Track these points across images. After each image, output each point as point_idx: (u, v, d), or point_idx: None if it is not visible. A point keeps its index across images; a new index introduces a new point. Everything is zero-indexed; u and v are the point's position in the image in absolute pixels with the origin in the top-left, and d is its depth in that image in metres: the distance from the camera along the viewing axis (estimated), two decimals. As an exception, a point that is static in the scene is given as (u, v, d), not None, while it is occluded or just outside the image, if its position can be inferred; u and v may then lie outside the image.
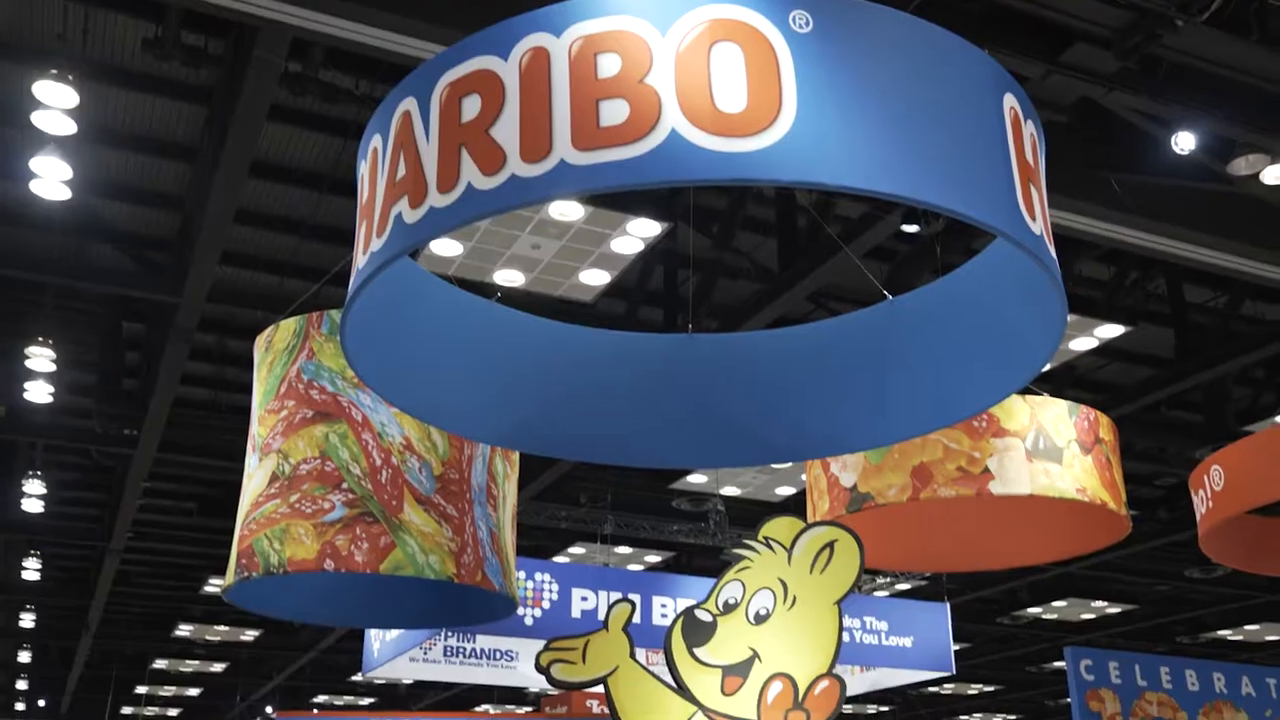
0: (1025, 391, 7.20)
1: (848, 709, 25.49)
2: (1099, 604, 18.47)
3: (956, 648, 12.81)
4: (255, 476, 5.79)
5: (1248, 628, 19.65)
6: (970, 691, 26.15)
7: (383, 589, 6.60)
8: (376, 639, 11.39)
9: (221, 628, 20.26)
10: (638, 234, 8.59)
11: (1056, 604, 18.32)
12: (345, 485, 5.54)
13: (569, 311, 9.12)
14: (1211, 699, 12.89)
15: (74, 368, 10.75)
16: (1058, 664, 20.53)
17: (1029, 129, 3.33)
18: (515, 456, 6.55)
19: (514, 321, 4.99)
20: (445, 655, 11.36)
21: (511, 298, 8.67)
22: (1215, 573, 15.92)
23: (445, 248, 8.61)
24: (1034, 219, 3.42)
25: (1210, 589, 16.89)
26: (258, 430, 5.88)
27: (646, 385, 5.21)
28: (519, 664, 11.66)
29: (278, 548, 5.47)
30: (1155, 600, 18.33)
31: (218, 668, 23.74)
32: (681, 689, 7.35)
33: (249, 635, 20.69)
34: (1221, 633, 20.01)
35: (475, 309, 4.85)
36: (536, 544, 14.43)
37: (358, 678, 22.04)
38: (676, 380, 5.22)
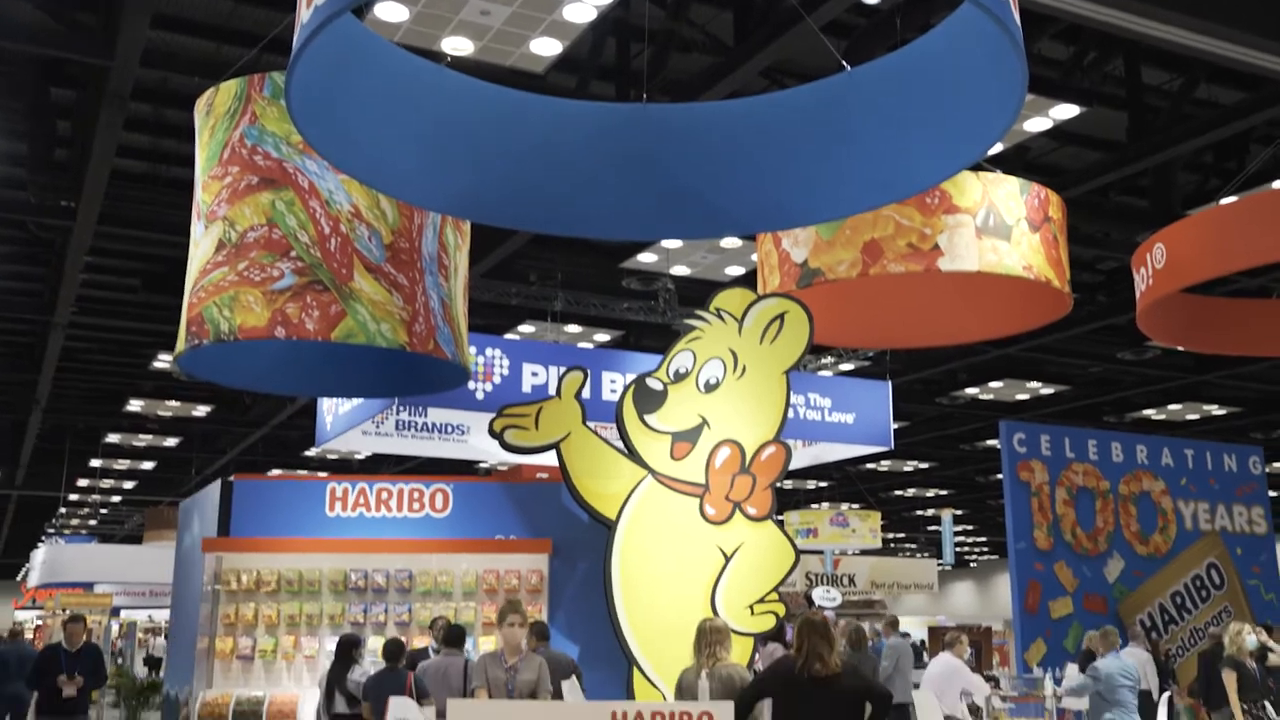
0: (978, 169, 7.21)
1: (788, 484, 26.54)
2: (1033, 385, 19.08)
3: (896, 426, 13.25)
4: (202, 244, 5.70)
5: (1170, 407, 20.50)
6: (906, 468, 27.25)
7: (334, 357, 6.64)
8: (329, 412, 11.53)
9: (172, 403, 20.37)
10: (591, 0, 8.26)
11: (993, 384, 18.90)
12: (294, 253, 5.48)
13: (519, 83, 8.82)
14: (1133, 469, 13.59)
15: (2, 136, 10.34)
16: (990, 442, 21.40)
17: (1004, -120, 3.21)
18: (466, 226, 6.50)
19: (466, 88, 4.85)
20: (397, 429, 11.53)
21: (460, 68, 8.35)
22: (1145, 355, 16.44)
23: (390, 12, 8.24)
24: (1002, -21, 3.33)
25: (1139, 370, 17.47)
26: (202, 197, 5.75)
27: (601, 156, 5.13)
28: (470, 438, 11.90)
29: (227, 315, 5.45)
30: (1087, 381, 18.97)
31: (171, 442, 24.01)
32: (632, 454, 7.60)
33: (200, 411, 20.85)
34: (1146, 412, 20.87)
35: (426, 73, 4.69)
36: (486, 321, 14.46)
37: (311, 452, 22.47)
38: (632, 151, 5.14)
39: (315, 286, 5.49)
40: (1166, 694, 9.58)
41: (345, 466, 24.84)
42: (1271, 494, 15.67)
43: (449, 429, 11.88)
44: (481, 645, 8.46)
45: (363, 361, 6.74)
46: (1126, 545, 13.49)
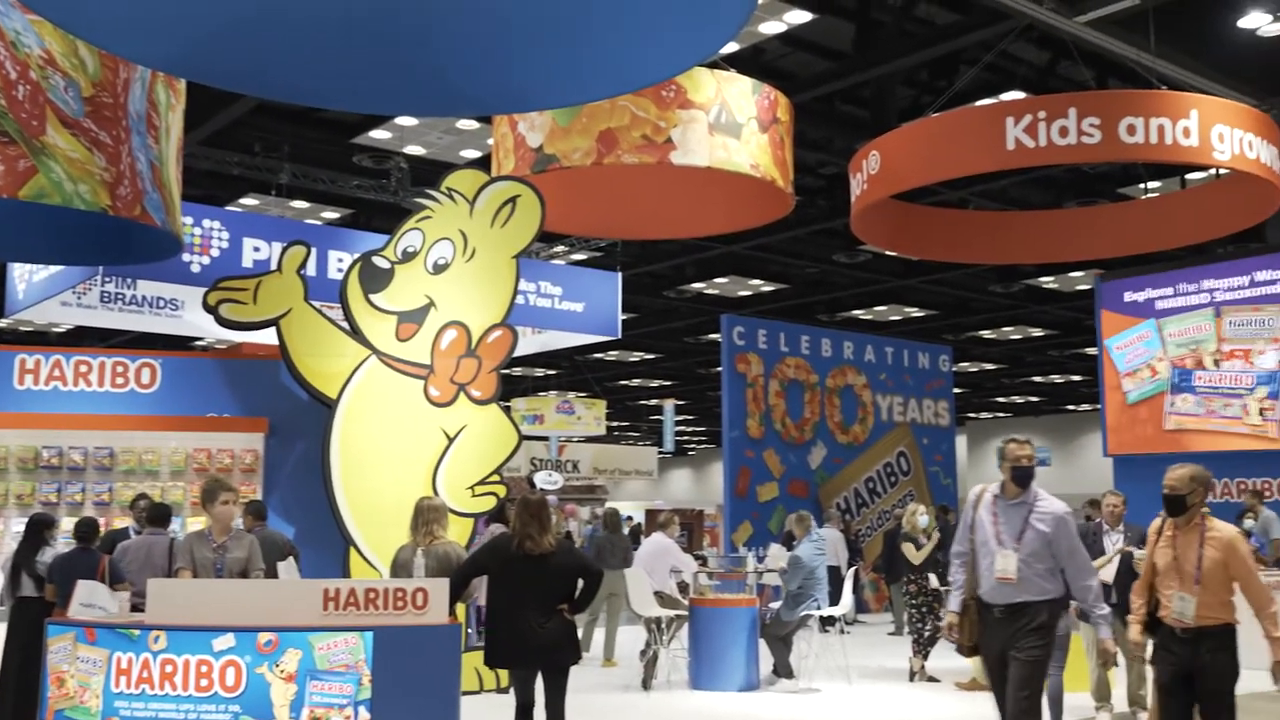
0: (713, 66, 7.35)
1: (516, 370, 26.75)
2: (755, 282, 19.95)
3: (623, 317, 13.55)
4: None
5: (876, 308, 21.99)
6: (632, 359, 28.02)
7: (25, 218, 6.06)
8: (21, 279, 10.60)
9: None
10: None
11: (718, 280, 19.62)
12: (-25, 98, 4.94)
13: (244, -67, 8.19)
14: (839, 364, 14.58)
15: None
16: (713, 336, 22.29)
17: None
18: (181, 86, 6.04)
19: (180, -74, 4.45)
20: (103, 301, 10.74)
21: (176, -92, 7.66)
22: (857, 258, 17.50)
23: None
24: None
25: (851, 273, 18.59)
26: None
27: (336, 20, 4.86)
28: (185, 313, 11.27)
29: (-105, 162, 4.87)
30: (805, 281, 20.00)
31: None
32: (356, 333, 7.41)
33: None
34: (855, 312, 22.29)
35: (132, -95, 4.27)
36: (205, 192, 13.61)
37: (1, 323, 20.64)
38: (370, 18, 4.89)
39: (1, 138, 4.98)
40: (853, 569, 10.45)
41: (43, 339, 23.00)
42: (955, 390, 17.17)
43: (161, 303, 11.19)
44: (189, 526, 8.15)
45: (59, 224, 6.20)
46: (829, 434, 14.50)
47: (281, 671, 4.56)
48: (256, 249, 10.03)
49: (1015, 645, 4.79)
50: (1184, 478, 4.75)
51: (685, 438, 45.27)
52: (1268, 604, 4.54)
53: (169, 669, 4.54)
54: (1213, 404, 12.11)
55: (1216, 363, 12.16)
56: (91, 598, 4.99)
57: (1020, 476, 4.95)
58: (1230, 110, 7.78)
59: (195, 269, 9.64)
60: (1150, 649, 4.91)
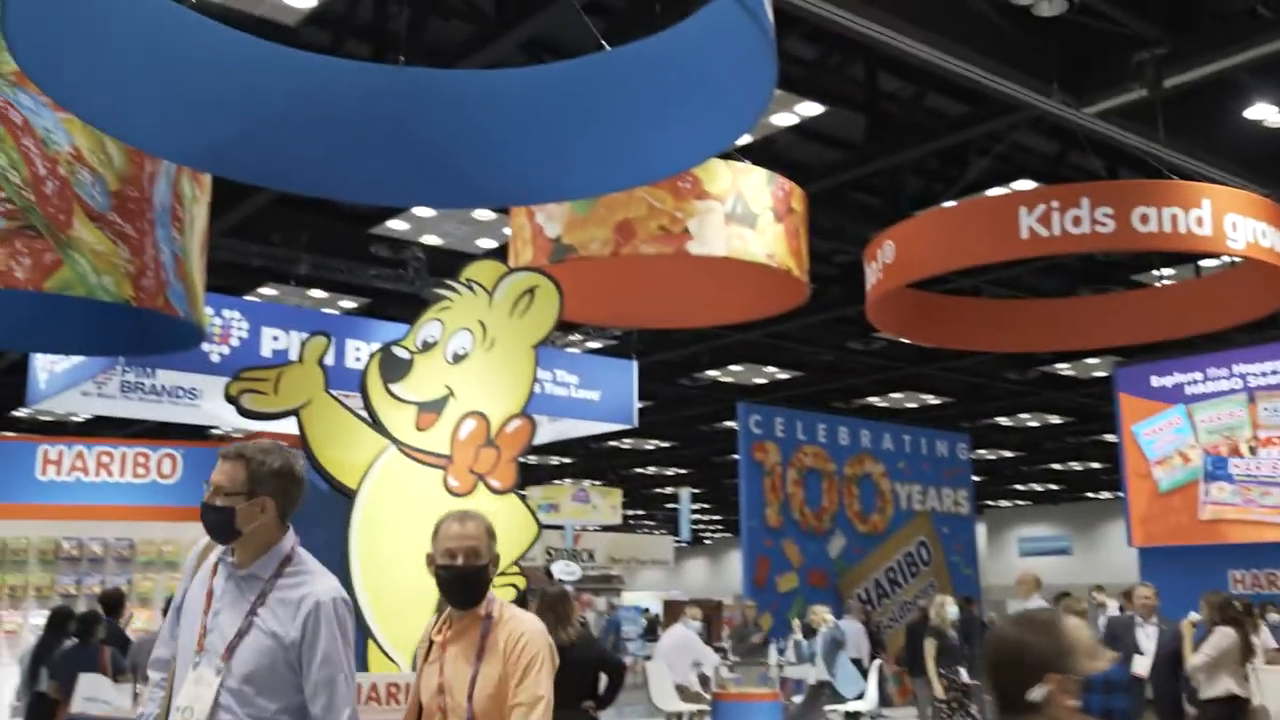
0: (728, 158, 7.45)
1: (532, 459, 26.66)
2: (770, 369, 19.96)
3: (639, 405, 13.55)
4: (-104, 178, 5.14)
5: (892, 395, 21.95)
6: (648, 446, 27.94)
7: (50, 310, 6.13)
8: (44, 370, 10.68)
9: None
10: (349, -46, 7.99)
11: (733, 368, 19.65)
12: (3, 194, 5.03)
13: (268, 35, 8.40)
14: (857, 452, 14.50)
15: None
16: (728, 423, 22.23)
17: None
18: (206, 179, 6.15)
19: (212, 32, 4.58)
20: (122, 390, 10.81)
21: (203, 11, 7.88)
22: (872, 345, 17.52)
23: (127, -56, 7.67)
24: (757, -26, 3.45)
25: (866, 360, 18.60)
26: (-103, 125, 5.18)
27: (354, 116, 4.98)
28: (203, 402, 11.31)
29: (-75, 258, 4.95)
30: (819, 368, 20.02)
31: None
32: (375, 424, 7.40)
33: (-110, 365, 18.87)
34: (870, 399, 22.25)
35: (167, 11, 4.40)
36: (225, 282, 13.77)
37: (22, 412, 20.74)
38: (386, 113, 5.01)
39: (28, 232, 5.06)
40: (876, 662, 10.26)
41: (62, 429, 23.08)
42: (974, 478, 17.03)
43: (180, 392, 11.24)
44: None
45: (83, 316, 6.27)
46: (848, 524, 14.36)
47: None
48: (275, 338, 10.10)
49: None
50: (480, 531, 2.97)
51: (701, 526, 44.88)
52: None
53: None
54: (1251, 492, 11.89)
55: (1253, 450, 11.96)
56: (95, 692, 4.94)
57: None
58: (1242, 200, 7.83)
59: (215, 359, 9.70)
60: None
